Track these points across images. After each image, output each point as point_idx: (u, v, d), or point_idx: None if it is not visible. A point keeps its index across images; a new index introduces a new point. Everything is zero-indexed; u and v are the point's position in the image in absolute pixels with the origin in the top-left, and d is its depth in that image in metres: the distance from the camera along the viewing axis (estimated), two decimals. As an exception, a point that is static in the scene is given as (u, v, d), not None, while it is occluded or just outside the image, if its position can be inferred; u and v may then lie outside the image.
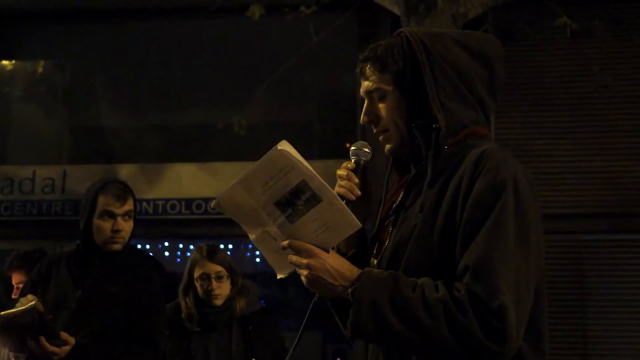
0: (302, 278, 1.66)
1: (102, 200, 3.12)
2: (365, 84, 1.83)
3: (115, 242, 3.11)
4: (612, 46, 7.26)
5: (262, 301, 3.85)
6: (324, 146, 8.06)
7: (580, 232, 7.21)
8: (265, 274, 7.57)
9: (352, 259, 1.79)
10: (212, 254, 3.65)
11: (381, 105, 1.81)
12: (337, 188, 1.78)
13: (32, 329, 2.79)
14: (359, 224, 1.63)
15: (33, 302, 2.76)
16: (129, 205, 3.14)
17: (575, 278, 7.13)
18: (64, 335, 2.86)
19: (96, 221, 3.12)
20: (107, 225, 3.10)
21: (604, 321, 7.03)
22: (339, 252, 1.78)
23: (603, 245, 7.19)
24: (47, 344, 2.81)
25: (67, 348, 2.85)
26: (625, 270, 7.06)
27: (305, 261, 1.63)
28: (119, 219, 3.10)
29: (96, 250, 3.15)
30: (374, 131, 1.85)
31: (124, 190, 3.15)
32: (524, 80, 7.28)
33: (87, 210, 3.13)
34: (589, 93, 7.18)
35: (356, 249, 1.85)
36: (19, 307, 2.79)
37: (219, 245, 3.81)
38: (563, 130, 7.28)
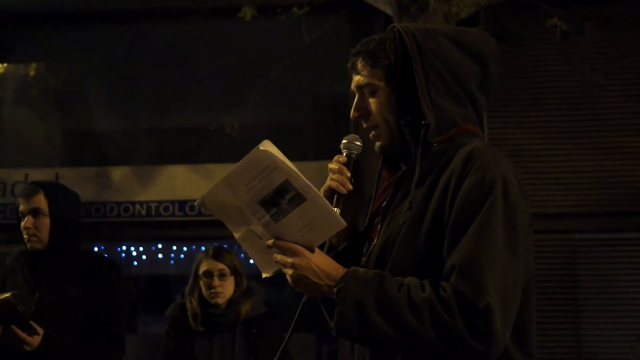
0: (287, 277, 1.65)
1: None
2: (356, 79, 1.81)
3: (29, 241, 3.16)
4: (604, 46, 7.27)
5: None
6: (318, 147, 8.04)
7: (574, 231, 7.22)
8: (259, 274, 7.54)
9: (344, 253, 1.79)
10: (217, 253, 3.69)
11: (372, 100, 1.80)
12: (328, 182, 1.77)
13: (5, 319, 2.91)
14: (343, 223, 1.62)
15: (6, 295, 2.87)
16: (34, 203, 3.15)
17: (569, 277, 7.14)
18: (34, 325, 2.95)
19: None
20: (21, 224, 3.17)
21: (597, 320, 7.04)
22: (330, 245, 1.77)
23: (596, 244, 7.20)
24: (20, 332, 2.90)
25: (37, 338, 2.95)
26: (618, 269, 7.07)
27: (290, 260, 1.62)
28: (26, 217, 3.15)
29: (46, 253, 3.18)
30: (364, 126, 1.83)
31: (30, 190, 3.19)
32: (516, 80, 7.29)
33: (16, 217, 3.23)
34: (581, 93, 7.19)
35: (347, 242, 1.83)
36: None
37: (225, 247, 3.82)
38: (555, 130, 7.29)
